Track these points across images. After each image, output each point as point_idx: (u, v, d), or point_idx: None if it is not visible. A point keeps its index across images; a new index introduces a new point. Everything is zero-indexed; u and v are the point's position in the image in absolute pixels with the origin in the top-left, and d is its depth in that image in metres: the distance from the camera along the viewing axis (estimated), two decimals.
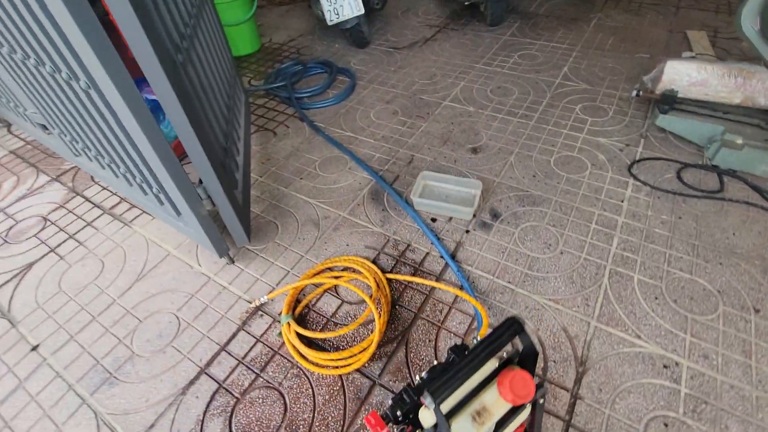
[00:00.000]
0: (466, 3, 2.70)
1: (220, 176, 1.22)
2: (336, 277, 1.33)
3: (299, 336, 1.19)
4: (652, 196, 1.51)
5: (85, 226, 1.66)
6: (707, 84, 1.60)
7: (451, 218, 1.51)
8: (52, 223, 1.70)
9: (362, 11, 2.28)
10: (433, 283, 1.28)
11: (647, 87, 1.75)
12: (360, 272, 1.32)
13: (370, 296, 1.25)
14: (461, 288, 1.28)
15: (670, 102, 1.63)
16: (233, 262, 1.45)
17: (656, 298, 1.21)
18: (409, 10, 3.13)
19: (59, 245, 1.60)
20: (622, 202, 1.50)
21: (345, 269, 1.37)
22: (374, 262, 1.39)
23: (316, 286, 1.33)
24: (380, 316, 1.18)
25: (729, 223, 1.39)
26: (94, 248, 1.57)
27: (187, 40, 1.29)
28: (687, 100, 1.65)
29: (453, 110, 2.04)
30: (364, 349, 1.14)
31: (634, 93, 1.72)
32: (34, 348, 1.28)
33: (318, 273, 1.36)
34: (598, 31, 2.57)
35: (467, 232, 1.46)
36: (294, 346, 1.16)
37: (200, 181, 1.21)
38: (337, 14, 2.28)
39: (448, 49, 2.57)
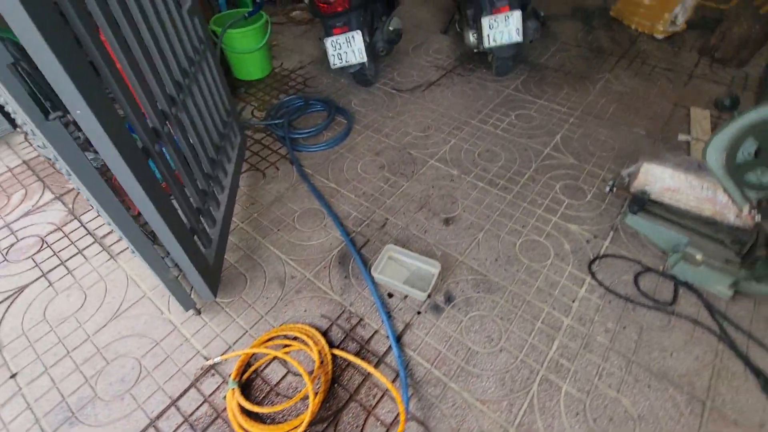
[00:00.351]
0: (475, 51, 2.71)
1: (187, 250, 1.32)
2: (286, 345, 1.43)
3: (241, 405, 1.30)
4: (605, 299, 1.55)
5: (76, 254, 1.81)
6: (680, 191, 1.61)
7: (406, 296, 1.59)
8: (48, 246, 1.85)
9: (365, 59, 2.33)
10: (371, 369, 1.36)
11: (624, 181, 1.76)
12: (308, 344, 1.42)
13: (311, 372, 1.35)
14: (397, 376, 1.36)
15: (640, 203, 1.65)
16: (200, 313, 1.57)
17: (577, 414, 1.27)
18: (422, 46, 3.14)
19: (51, 270, 1.75)
20: (573, 302, 1.54)
21: (296, 338, 1.46)
22: (325, 333, 1.49)
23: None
24: (316, 395, 1.28)
25: (671, 341, 1.42)
26: (81, 278, 1.72)
27: (179, 104, 1.39)
28: (658, 203, 1.67)
29: (437, 172, 2.09)
30: (295, 428, 1.24)
31: (608, 188, 1.74)
32: (13, 376, 1.43)
33: (270, 339, 1.46)
34: (602, 95, 2.55)
35: (419, 313, 1.53)
36: (234, 415, 1.28)
37: (167, 253, 1.32)
38: (341, 59, 2.34)
39: (449, 97, 2.60)
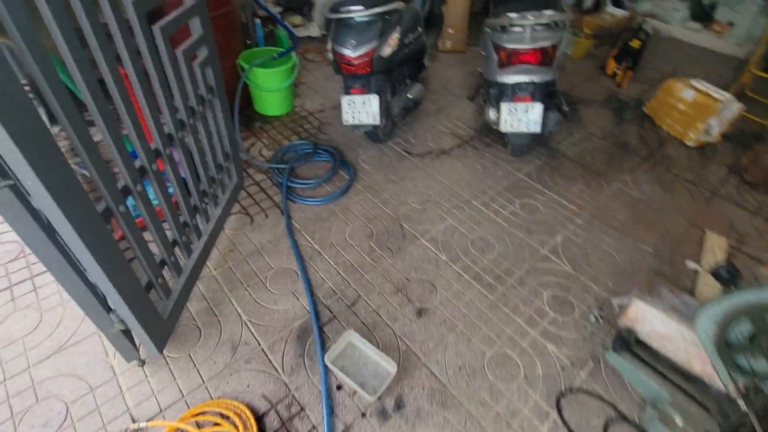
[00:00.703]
0: (494, 126, 2.67)
1: (138, 307, 1.28)
2: (215, 424, 1.36)
3: None
4: None
5: (44, 271, 1.80)
6: (670, 339, 1.48)
7: (356, 391, 1.50)
8: (25, 256, 1.86)
9: (378, 123, 2.32)
10: None
11: (615, 312, 1.64)
12: (237, 429, 1.34)
13: None
14: None
15: (625, 343, 1.52)
16: (143, 364, 1.52)
17: None
18: (444, 109, 3.13)
19: (18, 283, 1.75)
20: None
21: (228, 418, 1.39)
22: (261, 418, 1.41)
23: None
24: None
25: None
26: (43, 299, 1.70)
27: (163, 156, 1.38)
28: (646, 346, 1.54)
29: (424, 253, 2.02)
30: None
31: (593, 318, 1.62)
32: None
33: (202, 413, 1.39)
34: (616, 198, 2.44)
35: (363, 415, 1.44)
36: None
37: (112, 309, 1.28)
38: (354, 118, 2.33)
39: (458, 170, 2.55)
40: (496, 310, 1.79)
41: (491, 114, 2.54)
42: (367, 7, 2.08)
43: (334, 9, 2.12)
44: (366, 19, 2.13)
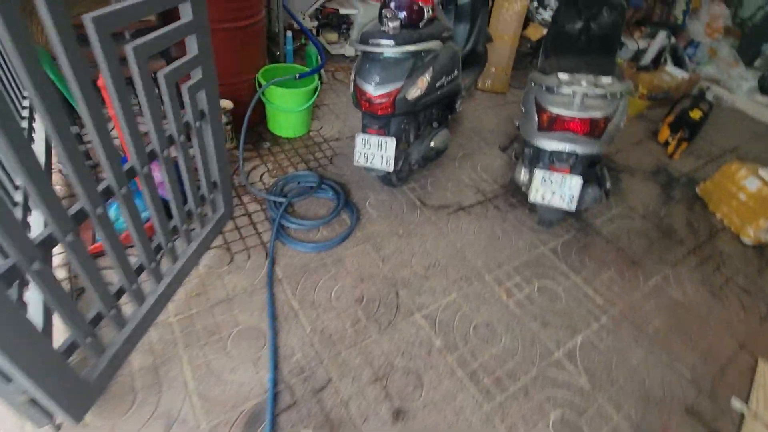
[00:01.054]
0: (522, 189, 2.37)
1: (50, 377, 1.05)
2: None
3: None
4: None
5: None
6: None
7: None
8: None
9: (391, 170, 2.06)
10: None
11: None
12: None
13: None
14: None
15: None
16: (59, 429, 1.28)
17: None
18: (471, 157, 2.85)
19: None
20: None
21: None
22: None
23: None
24: None
25: None
26: None
27: (118, 195, 1.15)
28: None
29: (417, 333, 1.73)
30: None
31: None
32: None
33: None
34: (653, 296, 2.09)
35: None
36: None
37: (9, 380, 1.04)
38: (366, 160, 2.08)
39: (473, 232, 2.25)
40: (489, 427, 1.48)
41: (522, 175, 2.24)
42: (399, 43, 1.84)
43: (363, 40, 1.88)
44: (395, 55, 1.89)
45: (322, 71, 2.65)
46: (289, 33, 3.12)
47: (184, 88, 1.37)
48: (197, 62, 1.38)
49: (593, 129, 1.79)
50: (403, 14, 1.91)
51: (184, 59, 1.33)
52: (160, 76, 1.22)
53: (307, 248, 1.97)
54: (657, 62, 4.29)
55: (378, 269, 1.96)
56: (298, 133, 2.70)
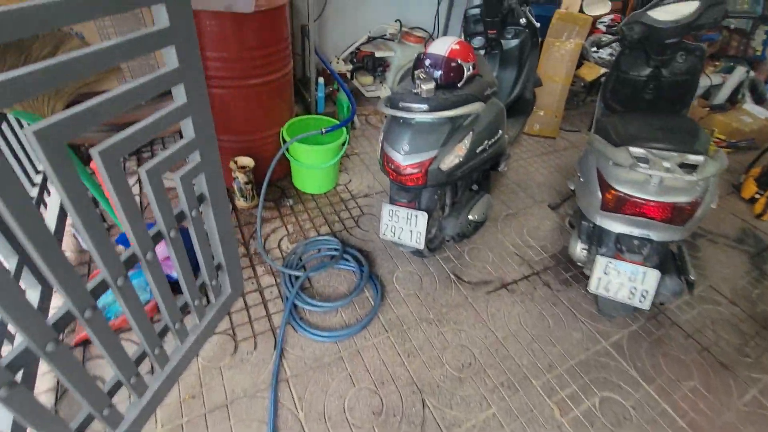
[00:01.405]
0: (578, 264, 2.00)
1: None
2: None
3: None
4: None
5: None
6: None
7: None
8: None
9: (422, 247, 1.77)
10: None
11: None
12: None
13: None
14: None
15: None
16: None
17: None
18: (516, 217, 2.51)
19: None
20: None
21: None
22: None
23: None
24: None
25: None
26: None
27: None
28: None
29: None
30: None
31: None
32: None
33: None
34: (749, 418, 1.63)
35: None
36: None
37: None
38: (393, 234, 1.81)
39: (517, 319, 1.91)
40: None
41: (578, 250, 1.89)
42: (433, 108, 1.58)
43: (393, 103, 1.64)
44: (429, 120, 1.63)
45: (355, 118, 2.46)
46: (321, 79, 2.97)
47: (176, 178, 1.17)
48: (192, 147, 1.19)
49: (676, 216, 1.43)
50: (438, 73, 1.66)
51: (177, 146, 1.14)
52: (142, 172, 1.02)
53: (323, 337, 1.71)
54: (733, 100, 3.77)
55: (402, 368, 1.66)
56: (324, 189, 2.50)
